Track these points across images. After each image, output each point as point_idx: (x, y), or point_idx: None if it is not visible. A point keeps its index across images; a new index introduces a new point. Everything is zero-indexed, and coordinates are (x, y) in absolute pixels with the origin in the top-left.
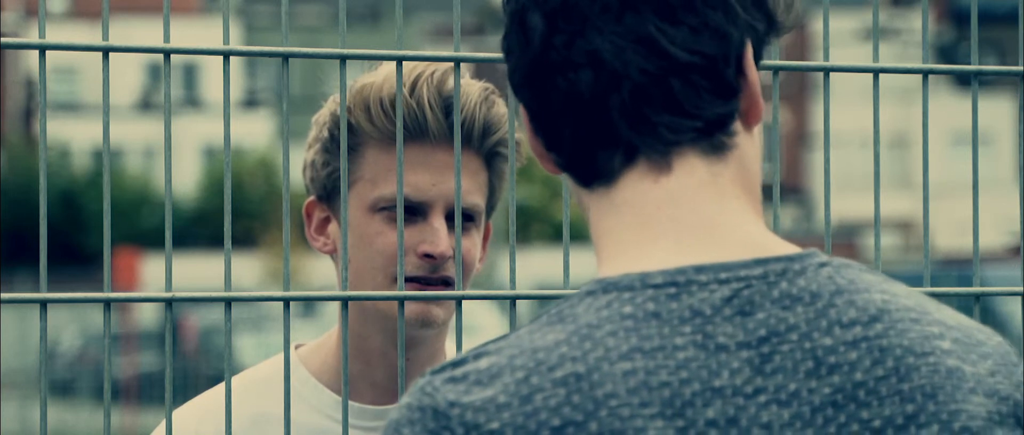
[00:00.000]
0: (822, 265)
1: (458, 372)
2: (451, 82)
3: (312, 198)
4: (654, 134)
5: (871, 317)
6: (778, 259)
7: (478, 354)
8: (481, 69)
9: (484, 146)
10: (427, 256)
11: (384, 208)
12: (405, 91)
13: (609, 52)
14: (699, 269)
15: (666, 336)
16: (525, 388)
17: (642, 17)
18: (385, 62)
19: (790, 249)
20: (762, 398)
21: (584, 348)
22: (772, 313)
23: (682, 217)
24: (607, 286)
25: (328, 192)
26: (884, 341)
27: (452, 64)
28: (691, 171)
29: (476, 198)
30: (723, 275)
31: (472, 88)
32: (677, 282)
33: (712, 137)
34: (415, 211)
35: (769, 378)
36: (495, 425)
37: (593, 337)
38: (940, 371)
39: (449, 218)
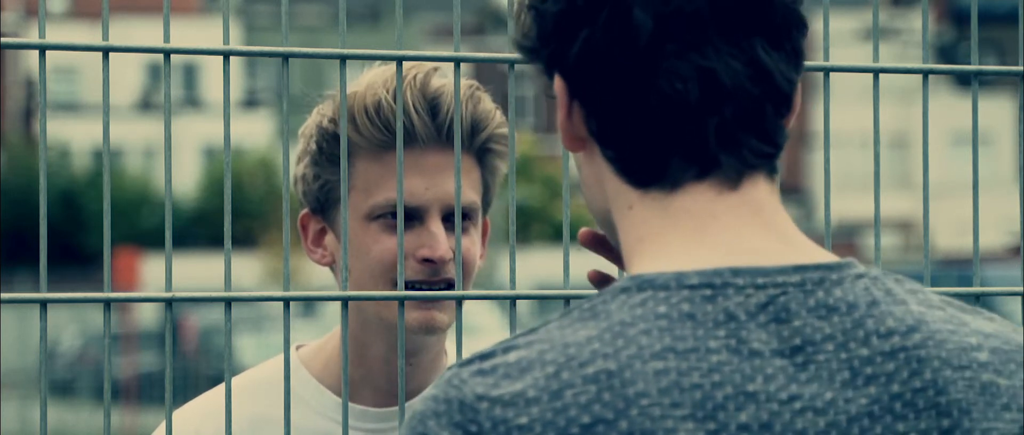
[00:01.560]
0: (859, 276)
1: (487, 365)
2: (433, 83)
3: (306, 211)
4: (738, 155)
5: (909, 328)
6: (817, 267)
7: (507, 347)
8: (481, 69)
9: (474, 143)
10: (427, 260)
11: (379, 216)
12: (388, 98)
13: (724, 73)
14: (736, 272)
15: (700, 338)
16: (555, 383)
17: (752, 39)
18: (368, 68)
19: (828, 257)
20: (797, 405)
21: (616, 345)
22: (808, 322)
23: (738, 226)
24: (642, 284)
25: (322, 204)
26: (922, 351)
27: (432, 64)
28: (754, 189)
29: (471, 196)
30: (760, 280)
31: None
32: (713, 284)
33: (775, 159)
34: (411, 216)
35: (805, 386)
36: (524, 420)
37: (626, 335)
38: (975, 386)
39: (446, 219)
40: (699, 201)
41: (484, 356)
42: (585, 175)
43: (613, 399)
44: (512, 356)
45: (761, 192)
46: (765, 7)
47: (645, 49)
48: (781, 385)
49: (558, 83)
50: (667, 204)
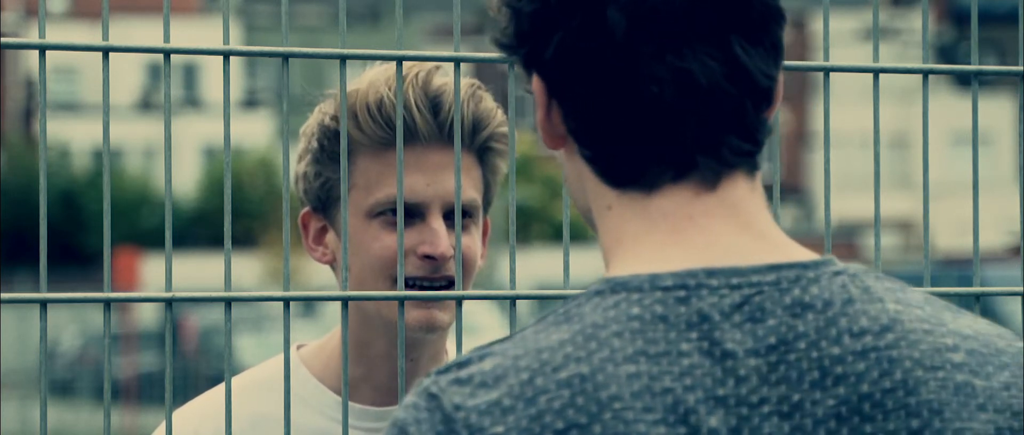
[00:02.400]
0: (837, 273)
1: (463, 373)
2: (436, 81)
3: (307, 209)
4: (717, 154)
5: (882, 327)
6: (792, 266)
7: (483, 355)
8: (481, 69)
9: (475, 142)
10: (427, 257)
11: (380, 213)
12: (390, 95)
13: (701, 74)
14: (710, 273)
15: (672, 341)
16: (529, 390)
17: (729, 37)
18: (369, 68)
19: (806, 256)
20: (766, 409)
21: (589, 348)
22: (783, 321)
23: (714, 227)
24: (615, 286)
25: (322, 202)
26: (894, 352)
27: (434, 63)
28: (734, 187)
29: (472, 194)
30: (735, 280)
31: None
32: (687, 285)
33: (755, 156)
34: (412, 213)
35: (774, 388)
36: (500, 429)
37: (598, 337)
38: (948, 386)
39: (447, 217)
40: (676, 202)
41: (461, 364)
42: (567, 173)
43: (586, 403)
44: (488, 364)
45: (740, 191)
46: (742, 3)
47: (620, 50)
48: (752, 388)
49: (536, 82)
50: (645, 204)
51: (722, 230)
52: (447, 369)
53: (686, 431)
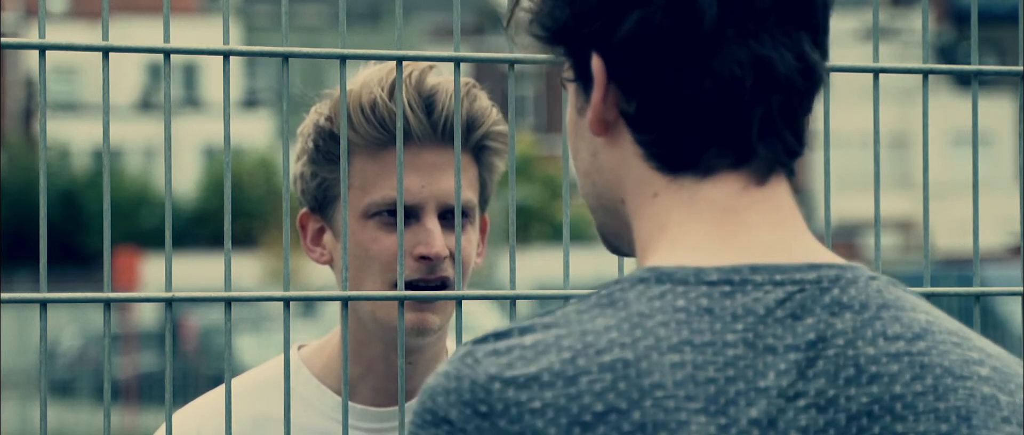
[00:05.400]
0: (872, 278)
1: (501, 345)
2: (429, 81)
3: (305, 210)
4: (774, 148)
5: (915, 334)
6: (831, 266)
7: (523, 329)
8: (481, 69)
9: (470, 140)
10: (423, 258)
11: (376, 214)
12: (383, 96)
13: (779, 62)
14: (754, 269)
15: (717, 332)
16: (571, 369)
17: (800, 33)
18: (364, 67)
19: (839, 259)
20: (802, 402)
21: (634, 335)
22: (821, 318)
23: (756, 222)
24: (661, 276)
25: (320, 203)
26: (926, 358)
27: (429, 63)
28: (779, 187)
29: (468, 194)
30: (778, 276)
31: (453, 85)
32: (732, 280)
33: (794, 162)
34: (407, 214)
35: (811, 382)
36: (537, 404)
37: (644, 326)
38: (976, 396)
39: (442, 217)
40: (725, 192)
41: (499, 335)
42: (602, 161)
43: (628, 389)
44: (528, 339)
45: (783, 191)
46: (811, 5)
47: (708, 33)
48: (791, 381)
49: (596, 62)
50: (694, 192)
51: (764, 226)
52: (485, 339)
53: (725, 421)
